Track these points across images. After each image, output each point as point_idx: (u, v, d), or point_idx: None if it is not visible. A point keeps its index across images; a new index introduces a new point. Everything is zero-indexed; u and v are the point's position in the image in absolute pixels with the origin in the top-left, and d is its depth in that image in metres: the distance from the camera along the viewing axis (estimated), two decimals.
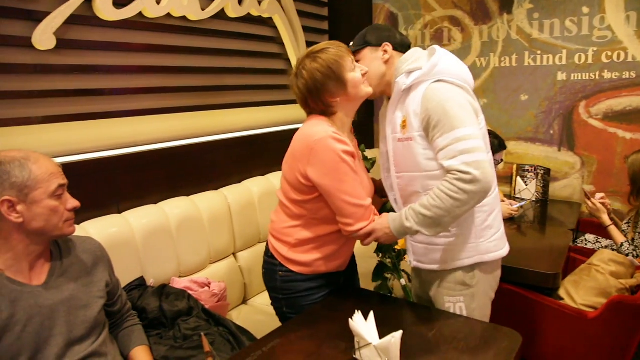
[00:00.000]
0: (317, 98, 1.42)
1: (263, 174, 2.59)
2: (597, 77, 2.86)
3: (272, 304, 1.63)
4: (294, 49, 2.80)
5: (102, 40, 1.90)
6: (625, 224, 2.37)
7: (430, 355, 1.23)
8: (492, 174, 1.31)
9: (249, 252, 2.34)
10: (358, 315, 1.21)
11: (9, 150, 1.17)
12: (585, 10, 2.84)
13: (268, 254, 1.58)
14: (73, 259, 1.28)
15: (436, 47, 1.46)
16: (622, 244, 2.24)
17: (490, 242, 1.49)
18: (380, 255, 1.88)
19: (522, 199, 2.96)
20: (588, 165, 2.99)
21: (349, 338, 1.22)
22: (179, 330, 1.59)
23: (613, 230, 2.31)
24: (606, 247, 2.47)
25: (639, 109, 2.78)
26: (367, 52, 1.49)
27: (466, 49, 3.25)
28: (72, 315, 1.22)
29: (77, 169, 1.75)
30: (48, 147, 1.73)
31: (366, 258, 1.95)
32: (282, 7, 2.70)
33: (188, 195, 2.16)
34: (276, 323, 1.57)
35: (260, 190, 2.40)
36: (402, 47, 1.50)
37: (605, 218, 2.35)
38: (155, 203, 2.02)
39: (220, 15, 2.35)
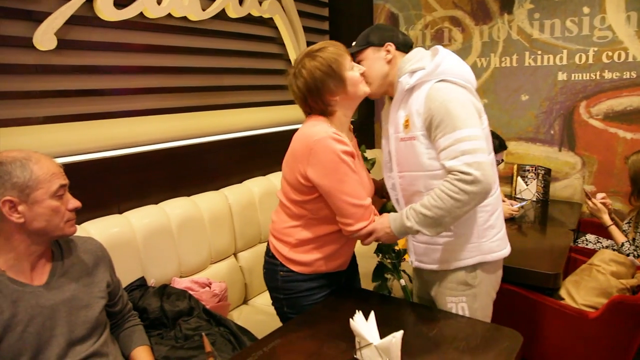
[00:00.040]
0: (317, 97, 1.42)
1: (264, 174, 2.59)
2: (597, 77, 2.86)
3: (272, 304, 1.63)
4: (295, 49, 2.80)
5: (103, 41, 1.90)
6: (626, 224, 2.37)
7: (431, 355, 1.23)
8: (493, 176, 1.31)
9: (250, 252, 2.34)
10: (359, 315, 1.21)
11: (10, 150, 1.17)
12: (586, 10, 2.84)
13: (269, 254, 1.58)
14: (74, 259, 1.28)
15: (439, 47, 1.46)
16: (622, 244, 2.24)
17: (493, 241, 1.49)
18: (380, 255, 1.88)
19: (523, 199, 2.96)
20: (589, 165, 2.99)
21: (349, 338, 1.22)
22: (180, 331, 1.59)
23: (614, 230, 2.31)
24: (607, 247, 2.47)
25: (639, 109, 2.78)
26: (370, 52, 1.49)
27: (467, 49, 3.25)
28: (73, 316, 1.22)
29: (78, 169, 1.75)
30: (49, 148, 1.73)
31: (366, 258, 1.95)
32: (282, 7, 2.71)
33: (189, 195, 2.16)
34: (277, 323, 1.57)
35: (261, 190, 2.40)
36: (405, 47, 1.50)
37: (606, 218, 2.35)
38: (156, 203, 2.02)
39: (221, 15, 2.35)
